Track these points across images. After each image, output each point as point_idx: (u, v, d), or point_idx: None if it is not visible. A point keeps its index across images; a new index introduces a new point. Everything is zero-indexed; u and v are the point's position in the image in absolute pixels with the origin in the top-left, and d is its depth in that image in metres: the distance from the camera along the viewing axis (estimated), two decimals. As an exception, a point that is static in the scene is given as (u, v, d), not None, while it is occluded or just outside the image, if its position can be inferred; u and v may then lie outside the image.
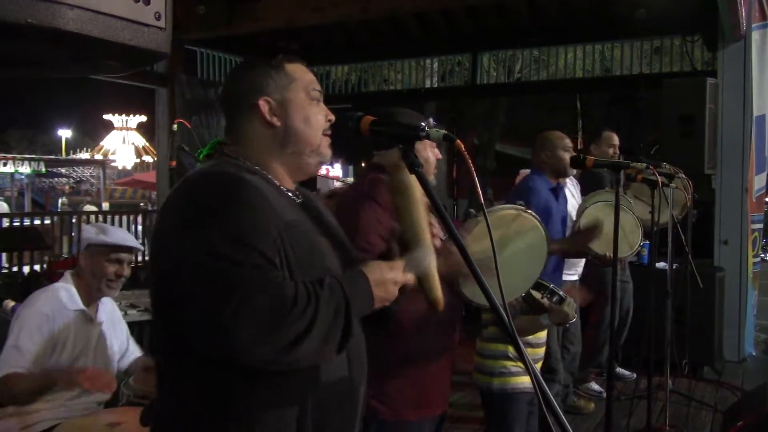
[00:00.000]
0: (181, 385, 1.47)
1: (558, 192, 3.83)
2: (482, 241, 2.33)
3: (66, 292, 2.75)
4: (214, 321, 1.30)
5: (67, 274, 2.83)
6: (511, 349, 2.89)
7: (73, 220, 9.30)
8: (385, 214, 2.19)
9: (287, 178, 1.59)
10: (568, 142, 3.77)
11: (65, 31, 0.83)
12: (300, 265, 1.41)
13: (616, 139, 5.01)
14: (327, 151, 1.63)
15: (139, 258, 7.29)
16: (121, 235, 2.90)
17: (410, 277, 1.51)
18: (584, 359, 4.86)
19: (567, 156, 3.65)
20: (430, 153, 2.36)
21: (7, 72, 1.35)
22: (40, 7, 0.80)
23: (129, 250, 2.84)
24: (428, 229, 1.55)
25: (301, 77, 1.62)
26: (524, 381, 2.87)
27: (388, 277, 1.47)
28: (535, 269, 2.63)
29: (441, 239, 1.60)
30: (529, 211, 2.61)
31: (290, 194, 1.57)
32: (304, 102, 1.60)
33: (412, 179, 1.50)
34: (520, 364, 2.87)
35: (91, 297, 2.81)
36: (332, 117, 1.64)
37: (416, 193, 1.53)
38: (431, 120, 2.39)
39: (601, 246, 3.51)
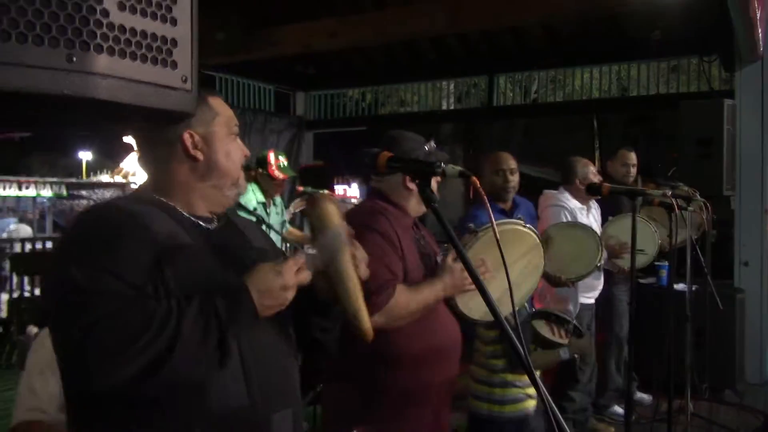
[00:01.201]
0: (78, 422, 1.47)
1: (514, 210, 3.85)
2: (480, 255, 2.33)
3: None
4: (66, 350, 1.32)
5: None
6: (508, 377, 2.89)
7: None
8: (386, 243, 2.21)
9: (202, 206, 1.58)
10: (589, 168, 3.88)
11: (99, 100, 0.87)
12: (185, 291, 1.37)
13: (633, 158, 5.02)
14: (244, 184, 1.64)
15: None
16: None
17: (304, 276, 1.44)
18: (601, 383, 4.83)
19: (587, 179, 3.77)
20: (434, 181, 2.37)
21: (40, 129, 1.41)
22: (75, 79, 0.84)
23: None
24: (340, 220, 1.50)
25: (223, 112, 1.60)
26: (516, 407, 2.88)
27: (274, 285, 1.40)
28: (532, 285, 2.65)
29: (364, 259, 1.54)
30: (528, 226, 2.59)
31: (200, 222, 1.55)
32: (226, 137, 1.59)
33: (333, 210, 1.49)
34: (511, 390, 2.88)
35: None
36: (248, 153, 1.64)
37: (339, 226, 1.50)
38: (432, 143, 2.41)
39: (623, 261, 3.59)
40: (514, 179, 3.67)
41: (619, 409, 4.94)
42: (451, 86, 9.31)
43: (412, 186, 2.32)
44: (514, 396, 2.89)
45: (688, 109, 5.55)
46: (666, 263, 5.10)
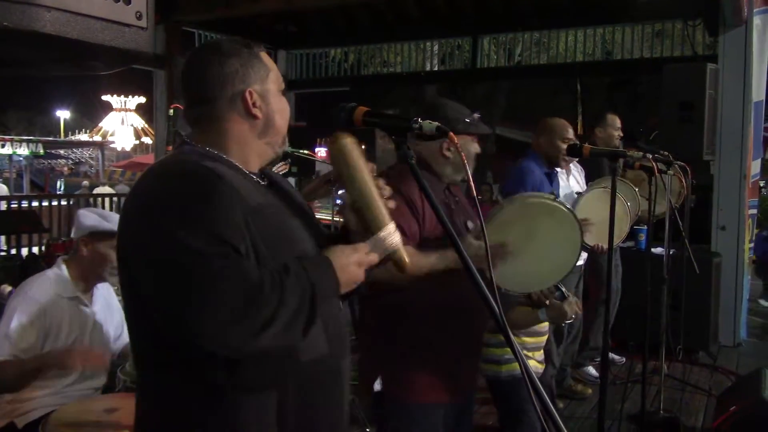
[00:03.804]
0: (159, 375, 1.49)
1: (552, 177, 3.86)
2: (504, 231, 2.35)
3: (59, 279, 2.71)
4: (180, 312, 1.33)
5: (60, 261, 2.79)
6: (522, 339, 2.93)
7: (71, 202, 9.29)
8: (405, 205, 2.22)
9: (253, 163, 1.58)
10: (569, 132, 3.81)
11: (43, 33, 0.82)
12: (270, 249, 1.41)
13: (618, 122, 5.01)
14: (286, 141, 1.66)
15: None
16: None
17: (374, 258, 1.50)
18: (582, 342, 4.89)
19: (564, 146, 3.70)
20: (471, 147, 2.40)
21: (-3, 69, 1.35)
22: (15, 10, 0.79)
23: None
24: (380, 199, 1.52)
25: (273, 67, 1.59)
26: (531, 364, 2.91)
27: (351, 260, 1.47)
28: (569, 259, 2.60)
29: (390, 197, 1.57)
30: (560, 200, 2.60)
31: (256, 178, 1.56)
32: (277, 93, 1.59)
33: (352, 146, 1.50)
34: (507, 350, 2.89)
35: (87, 283, 2.78)
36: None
37: (358, 159, 1.51)
38: (476, 114, 2.42)
39: (593, 238, 3.56)
40: None
41: (593, 371, 5.02)
42: (435, 47, 9.20)
43: (449, 153, 2.38)
44: (510, 356, 2.91)
45: (671, 72, 5.52)
46: (644, 227, 5.12)
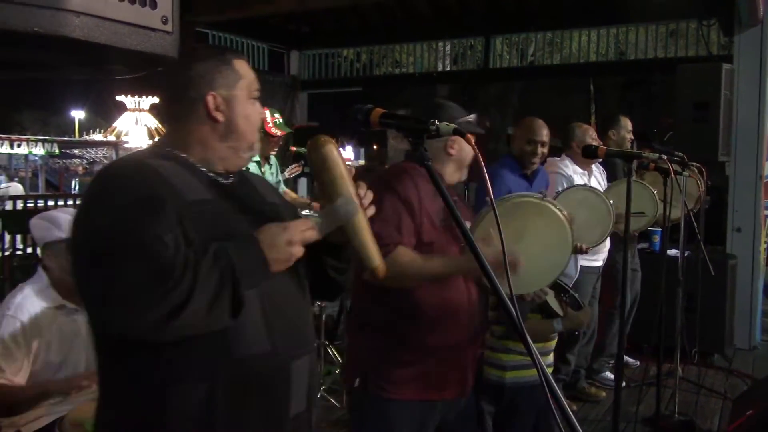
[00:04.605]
0: (100, 362, 1.56)
1: (534, 178, 3.85)
2: (492, 233, 2.32)
3: (41, 290, 2.59)
4: (94, 297, 1.40)
5: (40, 270, 2.64)
6: (509, 343, 2.91)
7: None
8: (401, 205, 2.22)
9: (217, 164, 1.61)
10: (539, 134, 3.81)
11: (72, 38, 0.83)
12: (204, 243, 1.41)
13: (630, 125, 4.98)
14: (258, 147, 1.68)
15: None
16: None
17: (310, 234, 1.49)
18: (597, 347, 4.87)
19: (529, 149, 3.78)
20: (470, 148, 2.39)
21: (15, 75, 1.36)
22: (46, 15, 0.80)
23: None
24: (351, 185, 1.51)
25: (246, 75, 1.63)
26: (519, 374, 2.89)
27: (280, 239, 1.46)
28: (561, 258, 2.56)
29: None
30: (548, 198, 2.57)
31: (217, 178, 1.59)
32: (246, 100, 1.62)
33: (336, 153, 1.50)
34: (513, 356, 2.89)
35: (69, 289, 2.56)
36: (264, 115, 1.68)
37: (341, 166, 1.51)
38: (474, 116, 2.43)
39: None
40: (544, 151, 3.83)
41: (610, 375, 4.98)
42: (447, 47, 9.19)
43: (453, 152, 2.38)
44: (516, 362, 2.89)
45: (685, 73, 5.49)
46: (659, 229, 5.10)
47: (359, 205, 1.51)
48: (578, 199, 3.53)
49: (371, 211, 1.56)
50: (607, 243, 4.33)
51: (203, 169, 1.58)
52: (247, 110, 1.61)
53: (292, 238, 1.46)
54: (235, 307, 1.39)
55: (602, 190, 4.17)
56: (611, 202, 3.54)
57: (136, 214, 1.38)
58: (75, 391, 2.46)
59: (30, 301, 2.56)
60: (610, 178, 4.52)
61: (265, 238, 1.45)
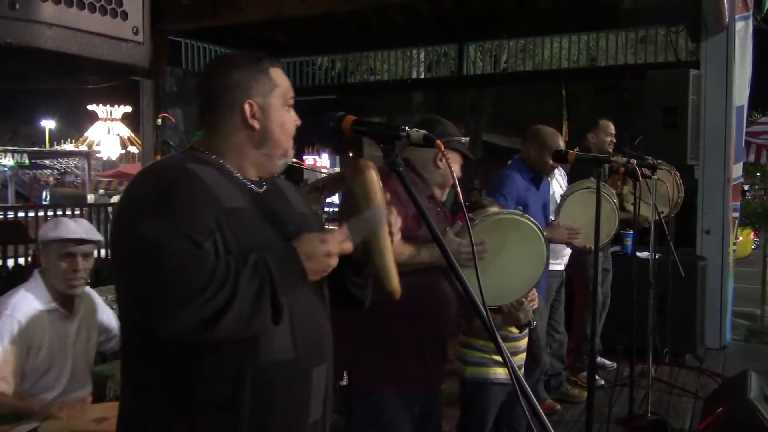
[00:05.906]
0: (127, 364, 1.59)
1: (539, 182, 3.88)
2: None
3: (36, 293, 2.64)
4: (133, 301, 1.45)
5: (36, 273, 2.71)
6: (474, 340, 2.93)
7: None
8: (395, 200, 2.25)
9: (252, 171, 1.64)
10: (560, 143, 3.78)
11: (44, 49, 0.84)
12: (241, 250, 1.45)
13: (612, 128, 5.02)
14: (292, 154, 1.71)
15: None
16: (71, 227, 2.71)
17: (347, 246, 1.53)
18: (577, 347, 4.92)
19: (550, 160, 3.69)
20: (456, 166, 2.52)
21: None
22: (19, 27, 0.81)
23: (80, 242, 2.67)
24: (382, 198, 1.56)
25: (282, 83, 1.66)
26: (499, 371, 2.90)
27: (319, 250, 1.50)
28: (536, 272, 2.70)
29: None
30: (527, 215, 2.69)
31: (251, 185, 1.62)
32: (281, 108, 1.65)
33: (376, 178, 1.55)
34: (473, 352, 2.92)
35: (61, 293, 2.68)
36: (299, 123, 1.70)
37: (378, 192, 1.56)
38: (467, 139, 2.54)
39: (581, 240, 3.59)
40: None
41: (593, 373, 5.02)
42: (422, 55, 9.25)
43: (441, 164, 2.47)
44: (476, 359, 2.92)
45: (654, 78, 5.58)
46: (630, 231, 5.17)
47: (388, 222, 1.56)
48: (583, 201, 3.62)
49: (398, 236, 1.61)
50: (567, 248, 4.34)
51: (238, 176, 1.60)
52: (283, 118, 1.65)
53: (331, 251, 1.50)
54: (275, 313, 1.43)
55: (562, 192, 4.22)
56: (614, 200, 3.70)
57: (180, 221, 1.41)
58: (51, 418, 2.47)
59: (26, 302, 2.61)
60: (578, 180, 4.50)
61: (304, 248, 1.49)
